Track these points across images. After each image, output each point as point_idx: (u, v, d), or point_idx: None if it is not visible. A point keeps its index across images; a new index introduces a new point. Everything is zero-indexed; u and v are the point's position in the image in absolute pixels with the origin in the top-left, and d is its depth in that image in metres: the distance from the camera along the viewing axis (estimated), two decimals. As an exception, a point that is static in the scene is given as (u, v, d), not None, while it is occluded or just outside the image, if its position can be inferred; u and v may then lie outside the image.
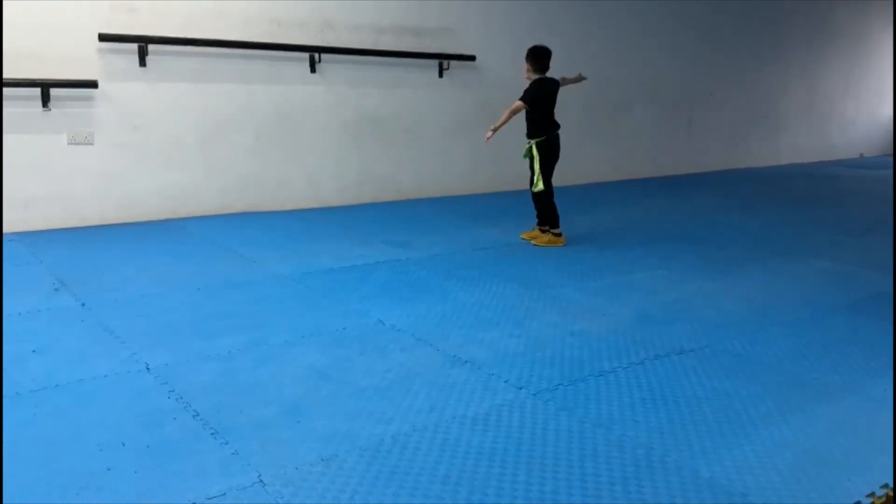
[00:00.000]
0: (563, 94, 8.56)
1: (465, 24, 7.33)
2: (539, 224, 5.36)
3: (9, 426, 2.38)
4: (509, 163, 7.97)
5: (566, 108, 8.30)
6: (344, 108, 6.73)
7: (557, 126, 5.19)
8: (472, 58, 7.34)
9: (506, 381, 2.80)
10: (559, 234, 5.22)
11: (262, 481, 2.07)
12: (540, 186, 5.16)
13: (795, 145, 11.73)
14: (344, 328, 3.41)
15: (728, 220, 6.43)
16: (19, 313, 3.49)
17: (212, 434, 2.35)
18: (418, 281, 4.25)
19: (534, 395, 2.68)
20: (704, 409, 2.60)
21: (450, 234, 5.64)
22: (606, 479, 2.12)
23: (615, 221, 6.30)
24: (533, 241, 5.26)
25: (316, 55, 6.40)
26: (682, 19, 9.41)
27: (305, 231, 5.62)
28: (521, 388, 2.73)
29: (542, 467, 2.18)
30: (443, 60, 7.17)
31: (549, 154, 5.18)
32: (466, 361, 3.00)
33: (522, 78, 5.21)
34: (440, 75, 7.24)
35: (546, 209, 5.24)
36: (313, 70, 6.45)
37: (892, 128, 13.29)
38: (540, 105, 5.11)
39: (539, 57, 5.15)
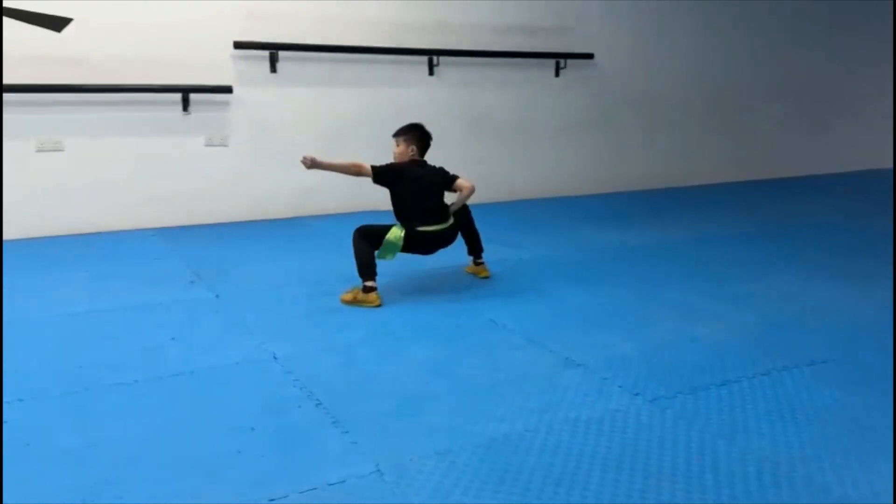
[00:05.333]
0: (687, 90, 8.24)
1: (583, 21, 7.22)
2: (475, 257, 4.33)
3: (149, 408, 2.59)
4: (624, 163, 7.80)
5: (690, 105, 8.04)
6: (460, 108, 6.81)
7: (428, 222, 3.89)
8: (591, 56, 7.22)
9: (620, 387, 2.74)
10: (371, 289, 3.77)
11: (379, 471, 2.14)
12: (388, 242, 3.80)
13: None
14: (457, 326, 3.46)
15: (863, 225, 5.98)
16: (160, 303, 3.79)
17: (333, 423, 2.45)
18: (530, 281, 4.24)
19: (650, 401, 2.62)
20: (837, 425, 2.44)
21: (562, 234, 5.58)
22: (728, 491, 2.04)
23: (740, 223, 6.00)
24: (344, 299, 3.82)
25: (434, 58, 6.52)
26: (817, 11, 8.82)
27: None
28: (636, 395, 2.67)
29: (658, 476, 2.12)
30: (559, 59, 7.11)
31: (412, 242, 3.88)
32: (579, 364, 2.97)
33: (393, 154, 4.09)
34: (556, 74, 7.17)
35: (358, 251, 3.82)
36: (431, 72, 6.57)
37: None
38: (399, 188, 3.91)
39: (425, 137, 4.08)
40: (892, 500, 2.01)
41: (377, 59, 6.32)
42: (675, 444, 2.31)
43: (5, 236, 5.20)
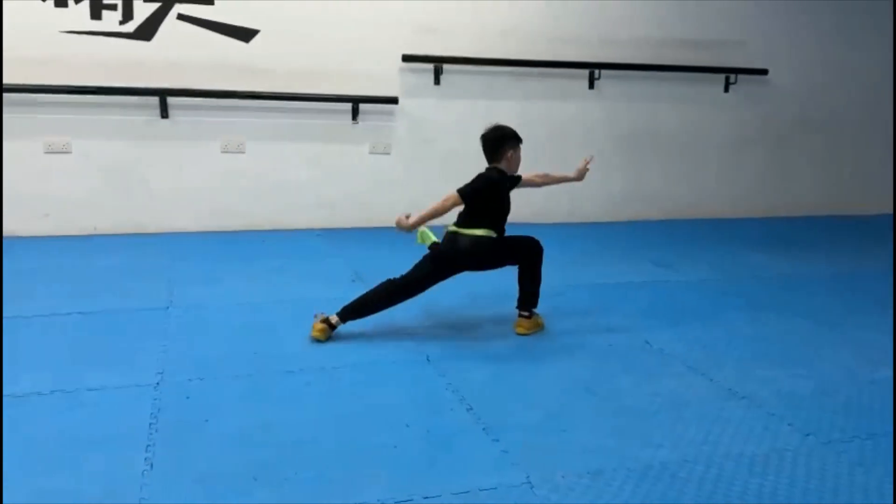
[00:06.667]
0: (868, 111, 7.52)
1: (756, 35, 6.84)
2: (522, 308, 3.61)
3: (313, 396, 2.75)
4: (793, 186, 7.29)
5: (871, 127, 7.37)
6: (618, 123, 6.67)
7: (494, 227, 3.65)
8: (764, 72, 6.82)
9: (790, 424, 2.56)
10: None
11: (530, 483, 2.14)
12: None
13: None
14: (610, 345, 3.38)
15: None
16: (325, 298, 3.97)
17: (483, 429, 2.48)
18: (687, 305, 4.07)
19: (824, 444, 2.42)
20: None
21: (722, 257, 5.31)
22: (915, 553, 1.85)
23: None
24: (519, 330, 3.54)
25: (595, 71, 6.44)
26: None
27: (568, 246, 5.64)
28: (808, 435, 2.48)
29: (832, 525, 1.96)
30: (729, 74, 6.78)
31: (443, 257, 3.64)
32: (744, 397, 2.80)
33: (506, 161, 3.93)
34: (725, 90, 6.84)
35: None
36: (591, 86, 6.49)
37: None
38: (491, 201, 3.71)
39: (484, 142, 3.95)
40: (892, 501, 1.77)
41: (537, 73, 6.34)
42: (852, 492, 2.13)
43: (188, 228, 5.72)
